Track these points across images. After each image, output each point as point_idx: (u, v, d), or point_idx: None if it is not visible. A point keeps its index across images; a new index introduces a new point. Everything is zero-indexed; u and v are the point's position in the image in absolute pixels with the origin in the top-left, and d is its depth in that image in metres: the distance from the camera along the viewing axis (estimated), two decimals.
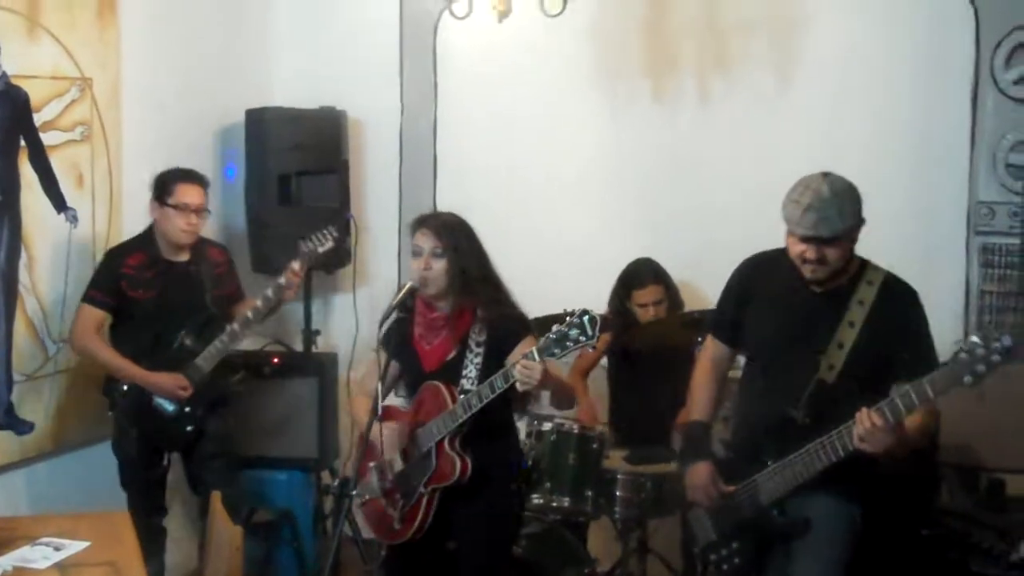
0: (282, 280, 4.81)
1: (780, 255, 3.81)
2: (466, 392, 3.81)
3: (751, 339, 3.90)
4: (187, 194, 4.77)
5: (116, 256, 4.84)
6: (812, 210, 3.53)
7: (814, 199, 3.54)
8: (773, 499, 3.71)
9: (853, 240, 3.65)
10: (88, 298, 4.79)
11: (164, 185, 4.79)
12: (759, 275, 3.90)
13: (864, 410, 3.39)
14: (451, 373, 3.90)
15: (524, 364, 3.60)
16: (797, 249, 3.62)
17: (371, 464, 4.02)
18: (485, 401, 3.73)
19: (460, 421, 3.79)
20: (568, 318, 3.56)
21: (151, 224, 4.86)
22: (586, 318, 3.54)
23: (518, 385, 3.63)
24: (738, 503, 3.81)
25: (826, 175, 3.61)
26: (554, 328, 3.58)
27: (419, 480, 3.91)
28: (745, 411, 3.96)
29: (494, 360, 3.82)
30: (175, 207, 4.74)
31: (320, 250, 4.88)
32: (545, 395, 4.06)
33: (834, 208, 3.54)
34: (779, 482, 3.67)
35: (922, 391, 3.31)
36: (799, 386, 3.65)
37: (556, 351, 3.56)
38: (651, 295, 5.24)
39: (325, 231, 4.90)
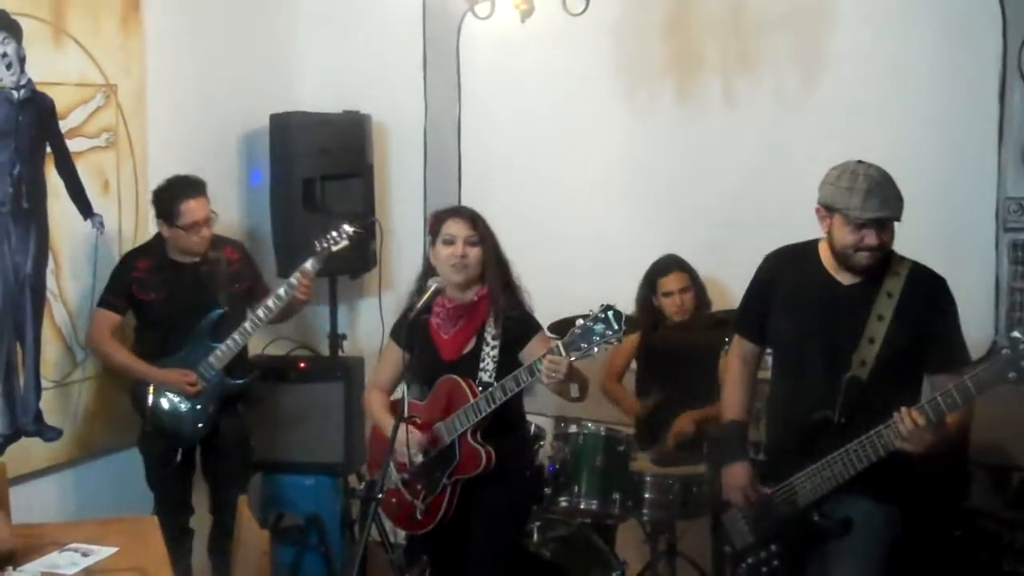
0: (293, 279, 4.81)
1: (805, 248, 3.78)
2: (484, 385, 3.86)
3: (778, 335, 3.85)
4: (193, 211, 4.77)
5: (127, 261, 4.91)
6: (873, 194, 3.48)
7: (871, 183, 3.50)
8: (811, 500, 3.67)
9: None
10: (101, 301, 4.87)
11: (168, 206, 4.78)
12: (784, 269, 3.85)
13: (904, 409, 3.34)
14: (469, 365, 3.95)
15: (551, 359, 3.62)
16: (853, 238, 3.55)
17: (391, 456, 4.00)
18: (510, 395, 3.80)
19: (484, 414, 3.83)
20: (592, 312, 3.58)
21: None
22: (611, 312, 3.56)
23: (544, 379, 3.66)
24: (775, 505, 3.78)
25: (859, 162, 3.58)
26: (579, 323, 3.60)
27: (443, 472, 3.97)
28: (777, 411, 3.92)
29: (508, 354, 3.90)
30: (186, 228, 4.76)
31: (334, 248, 4.88)
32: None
33: (891, 189, 3.53)
34: (818, 483, 3.64)
35: (965, 389, 3.27)
36: (832, 385, 3.61)
37: (583, 346, 3.58)
38: (676, 282, 5.22)
39: (340, 229, 4.90)
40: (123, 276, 4.85)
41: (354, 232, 4.93)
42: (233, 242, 5.17)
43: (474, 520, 4.03)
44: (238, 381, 4.95)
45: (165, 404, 4.84)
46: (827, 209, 3.62)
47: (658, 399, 5.18)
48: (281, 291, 4.83)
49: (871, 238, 3.54)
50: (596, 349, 3.61)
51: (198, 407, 4.85)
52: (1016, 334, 3.16)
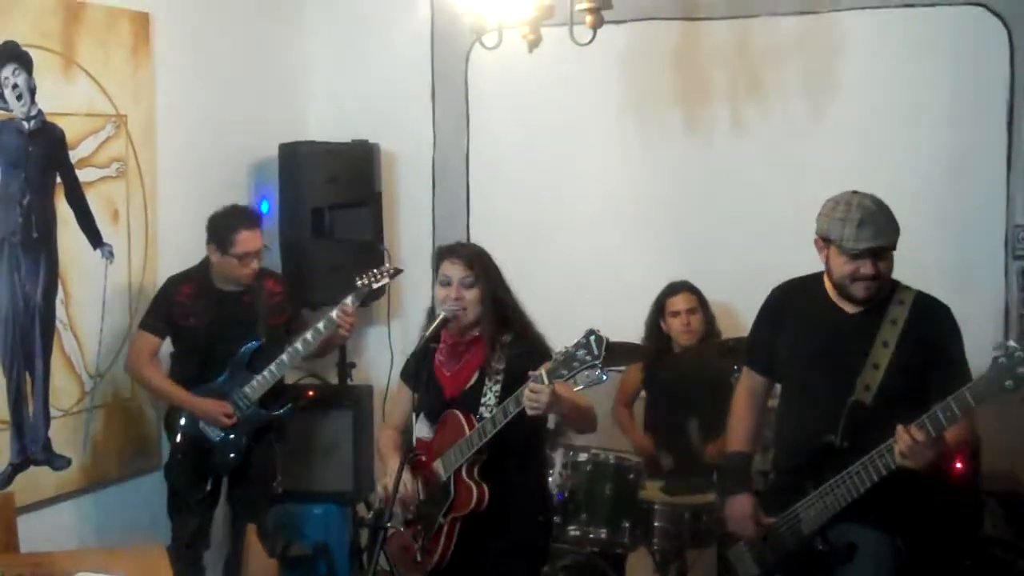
0: (334, 315, 4.82)
1: (810, 281, 3.78)
2: (483, 419, 3.77)
3: (785, 366, 3.85)
4: (249, 242, 4.80)
5: (170, 285, 4.93)
6: (867, 224, 3.50)
7: (865, 213, 3.51)
8: (815, 528, 3.65)
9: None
10: (142, 324, 4.90)
11: (225, 234, 4.80)
12: (790, 302, 3.86)
13: (901, 427, 3.33)
14: (471, 400, 3.86)
15: (532, 387, 3.54)
16: (849, 268, 3.56)
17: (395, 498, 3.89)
18: (499, 426, 3.67)
19: (476, 448, 3.74)
20: (576, 339, 3.51)
21: (207, 257, 4.90)
22: (592, 338, 3.48)
23: (527, 409, 3.57)
24: (780, 535, 3.76)
25: (855, 192, 3.59)
26: (562, 349, 3.54)
27: (438, 510, 3.85)
28: (783, 440, 3.91)
29: (513, 388, 3.73)
30: (239, 257, 4.78)
31: (375, 286, 4.92)
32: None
33: (885, 218, 3.53)
34: (820, 509, 3.62)
35: (963, 400, 3.25)
36: (835, 410, 3.60)
37: (563, 372, 3.51)
38: (684, 302, 5.24)
39: (382, 268, 4.95)
40: (165, 300, 4.88)
41: (395, 272, 5.00)
42: (276, 275, 5.20)
43: (480, 569, 3.89)
44: (273, 412, 4.96)
45: (199, 432, 4.85)
46: (823, 240, 3.64)
47: (666, 457, 5.17)
48: (320, 325, 4.83)
49: (866, 268, 3.55)
50: (582, 375, 3.53)
51: (231, 436, 4.87)
52: (1011, 343, 3.16)
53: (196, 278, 4.90)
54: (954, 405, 3.27)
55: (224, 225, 4.81)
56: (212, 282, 4.88)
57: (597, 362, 3.49)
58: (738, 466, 3.94)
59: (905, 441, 3.32)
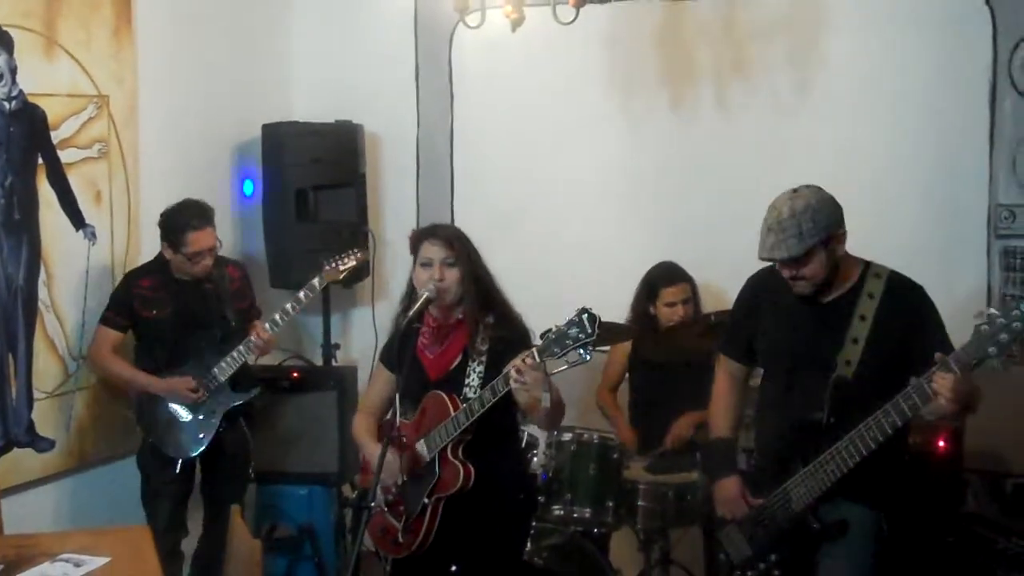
0: (301, 295, 4.85)
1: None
2: (468, 400, 3.76)
3: (765, 353, 3.90)
4: (200, 241, 4.80)
5: (130, 278, 4.93)
6: (771, 232, 3.58)
7: (774, 221, 3.58)
8: (805, 504, 3.67)
9: (831, 251, 3.61)
10: (103, 319, 4.88)
11: (176, 234, 4.79)
12: (765, 290, 3.89)
13: (938, 373, 3.27)
14: (454, 382, 3.85)
15: (518, 366, 3.52)
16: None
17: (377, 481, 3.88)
18: (487, 405, 3.67)
19: (463, 428, 3.74)
20: (569, 317, 3.49)
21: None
22: (585, 316, 3.46)
23: (515, 386, 3.54)
24: (771, 514, 3.78)
25: (796, 190, 3.62)
26: (553, 328, 3.51)
27: (423, 491, 3.85)
28: (766, 424, 3.92)
29: (496, 371, 3.73)
30: (190, 257, 4.79)
31: (341, 269, 4.97)
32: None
33: (792, 229, 3.54)
34: (812, 485, 3.64)
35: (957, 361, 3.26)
36: (819, 388, 3.63)
37: (556, 350, 3.48)
38: (680, 293, 5.22)
39: (349, 252, 5.01)
40: (125, 293, 4.88)
41: (363, 256, 5.11)
42: (235, 262, 5.21)
43: (466, 554, 3.88)
44: (242, 394, 4.96)
45: (167, 414, 4.85)
46: None
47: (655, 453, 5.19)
48: (288, 306, 4.88)
49: (784, 272, 3.64)
50: (573, 354, 3.49)
51: (200, 418, 4.86)
52: (992, 310, 3.18)
53: (156, 270, 4.91)
54: (961, 353, 3.25)
55: (175, 225, 4.80)
56: (172, 274, 4.89)
57: (591, 340, 3.47)
58: (723, 451, 3.98)
59: (946, 383, 3.25)
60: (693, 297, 5.27)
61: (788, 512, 3.72)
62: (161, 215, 4.86)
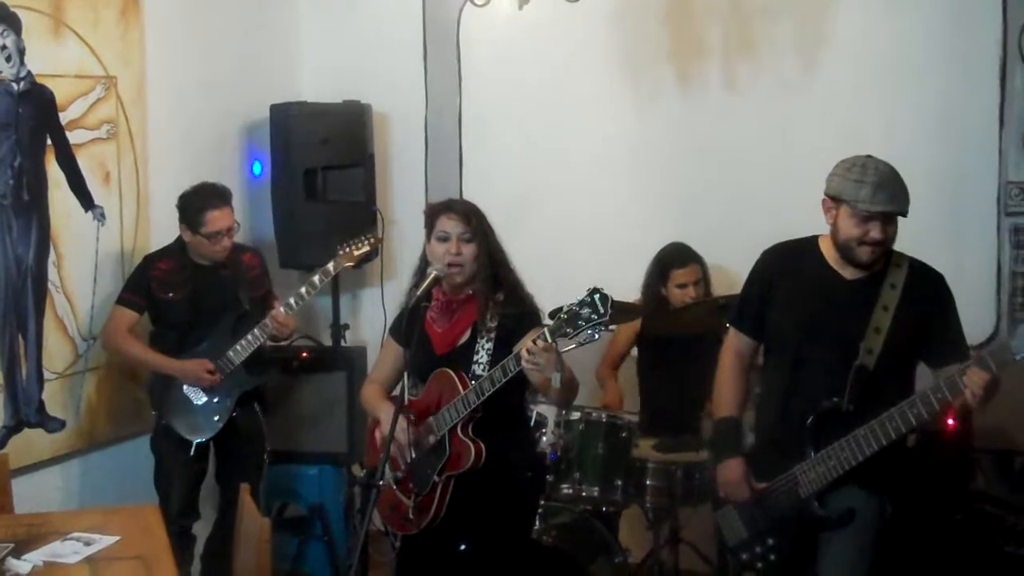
0: (316, 279, 4.85)
1: (804, 244, 3.77)
2: (477, 378, 3.75)
3: (779, 331, 3.82)
4: (218, 221, 4.80)
5: (149, 260, 4.94)
6: (883, 187, 3.49)
7: (881, 177, 3.51)
8: (813, 491, 3.65)
9: None
10: (120, 299, 4.89)
11: (193, 214, 4.80)
12: (784, 265, 3.83)
13: (973, 368, 3.31)
14: (462, 358, 3.85)
15: (530, 347, 3.50)
16: (858, 231, 3.55)
17: (381, 455, 3.90)
18: (498, 385, 3.66)
19: (474, 406, 3.73)
20: (581, 297, 3.46)
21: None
22: (597, 296, 3.43)
23: (527, 366, 3.54)
24: (776, 498, 3.75)
25: (869, 156, 3.59)
26: (565, 308, 3.48)
27: (433, 468, 3.85)
28: (774, 406, 3.85)
29: (505, 348, 3.74)
30: (209, 237, 4.79)
31: (356, 254, 4.98)
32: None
33: (899, 184, 3.53)
34: (822, 472, 3.61)
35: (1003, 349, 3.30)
36: (838, 375, 3.60)
37: (568, 331, 3.46)
38: (692, 275, 5.21)
39: (363, 237, 5.02)
40: (142, 275, 4.89)
41: (377, 241, 5.11)
42: (252, 249, 5.21)
43: (474, 532, 3.89)
44: (256, 377, 4.97)
45: (180, 396, 4.85)
46: (834, 200, 3.61)
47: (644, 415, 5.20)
48: (303, 290, 4.86)
49: (876, 232, 3.54)
50: (584, 334, 3.48)
51: (215, 401, 4.87)
52: None
53: (174, 254, 4.91)
54: (988, 358, 3.29)
55: (193, 205, 4.81)
56: (190, 257, 4.89)
57: (604, 320, 3.44)
58: (728, 431, 3.92)
59: (980, 380, 3.29)
60: (704, 278, 5.26)
61: (794, 497, 3.70)
62: (179, 198, 4.86)
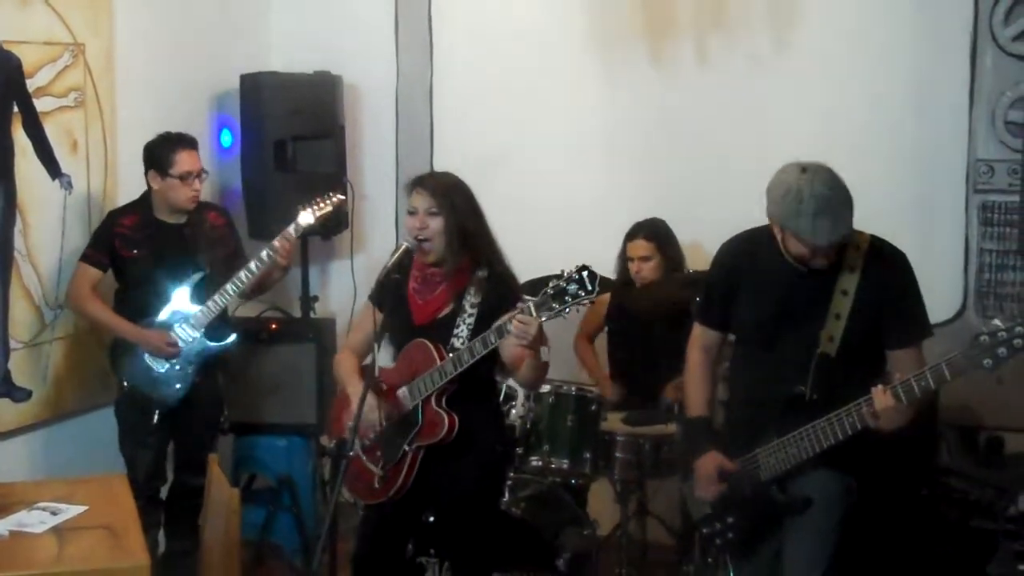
0: (276, 243, 4.80)
1: (758, 235, 3.73)
2: (456, 351, 3.76)
3: (744, 322, 3.81)
4: (187, 162, 4.78)
5: (112, 217, 4.90)
6: (822, 214, 3.39)
7: (819, 204, 3.39)
8: (773, 476, 3.66)
9: None
10: (83, 256, 4.85)
11: (162, 156, 4.77)
12: (744, 256, 3.80)
13: (877, 388, 3.33)
14: (442, 330, 3.85)
15: (521, 319, 3.52)
16: (807, 251, 3.50)
17: (349, 423, 3.86)
18: (476, 357, 3.68)
19: (450, 377, 3.75)
20: (566, 273, 3.48)
21: (147, 189, 4.85)
22: (585, 273, 3.46)
23: (513, 340, 3.56)
24: (737, 479, 3.76)
25: (804, 169, 3.46)
26: (552, 283, 3.50)
27: (403, 438, 3.85)
28: (741, 396, 3.87)
29: (486, 323, 3.75)
30: (180, 178, 4.75)
31: (318, 214, 4.89)
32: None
33: (838, 204, 3.42)
34: (782, 458, 3.62)
35: (939, 374, 3.25)
36: (801, 362, 3.59)
37: (555, 306, 3.48)
38: (638, 250, 5.20)
39: (326, 196, 4.93)
40: (106, 231, 4.84)
41: (339, 200, 4.99)
42: (217, 207, 5.17)
43: (442, 503, 3.92)
44: (219, 343, 4.93)
45: (142, 363, 4.81)
46: (776, 225, 3.57)
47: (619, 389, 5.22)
48: (264, 254, 4.80)
49: (822, 257, 3.52)
50: (568, 310, 3.51)
51: (176, 368, 4.83)
52: (996, 322, 3.17)
53: (138, 209, 4.87)
54: (930, 376, 3.27)
55: (161, 149, 4.78)
56: (154, 213, 4.85)
57: (591, 297, 3.49)
58: (700, 429, 3.92)
59: (881, 403, 3.32)
60: (660, 254, 5.20)
61: (755, 480, 3.70)
62: (145, 147, 4.82)
